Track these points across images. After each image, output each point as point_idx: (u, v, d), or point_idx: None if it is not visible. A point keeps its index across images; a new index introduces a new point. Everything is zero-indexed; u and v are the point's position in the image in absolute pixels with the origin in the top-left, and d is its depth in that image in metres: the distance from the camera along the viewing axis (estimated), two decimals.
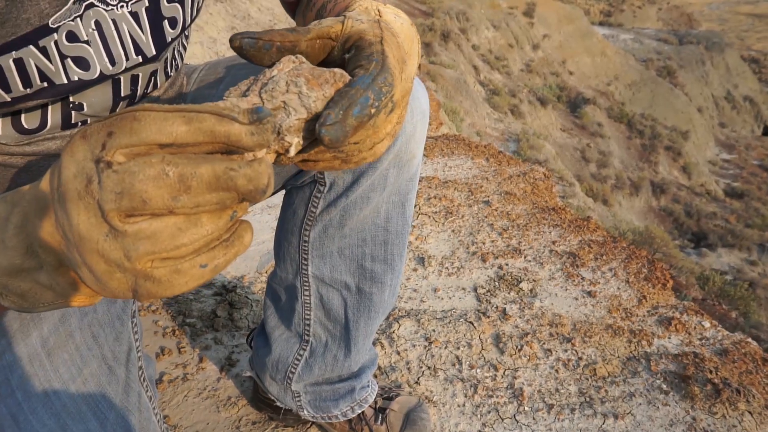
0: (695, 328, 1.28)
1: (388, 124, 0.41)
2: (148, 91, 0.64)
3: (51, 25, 0.50)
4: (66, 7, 0.50)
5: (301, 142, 0.38)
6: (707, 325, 1.30)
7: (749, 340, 1.27)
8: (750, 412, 1.05)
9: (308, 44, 0.43)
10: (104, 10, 0.53)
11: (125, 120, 0.27)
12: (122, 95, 0.60)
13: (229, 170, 0.27)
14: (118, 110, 0.62)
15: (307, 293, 0.82)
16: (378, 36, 0.43)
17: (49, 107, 0.57)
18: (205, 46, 4.49)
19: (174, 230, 0.27)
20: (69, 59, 0.52)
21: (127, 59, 0.56)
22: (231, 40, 0.39)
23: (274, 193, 0.80)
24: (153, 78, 0.63)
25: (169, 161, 0.27)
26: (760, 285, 12.61)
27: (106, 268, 0.28)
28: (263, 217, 1.79)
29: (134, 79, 0.60)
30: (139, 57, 0.57)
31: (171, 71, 0.66)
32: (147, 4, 0.55)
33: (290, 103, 0.38)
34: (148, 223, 0.27)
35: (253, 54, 0.40)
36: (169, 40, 0.59)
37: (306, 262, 0.79)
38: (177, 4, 0.58)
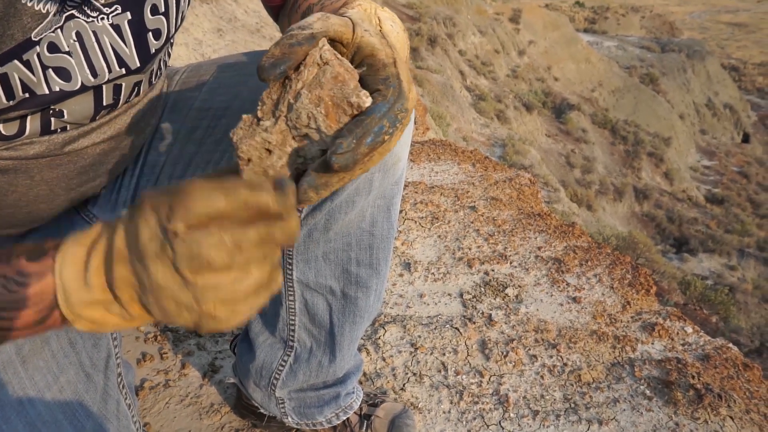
0: (678, 333, 1.30)
1: (394, 141, 0.43)
2: (131, 99, 0.63)
3: (33, 39, 0.49)
4: (47, 19, 0.49)
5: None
6: (690, 330, 1.31)
7: (730, 345, 1.29)
8: (731, 417, 1.06)
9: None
10: (85, 21, 0.52)
11: (179, 197, 0.35)
12: (104, 104, 0.60)
13: (269, 230, 0.35)
14: (98, 117, 0.62)
15: (291, 298, 0.81)
16: (391, 57, 0.44)
17: (29, 116, 0.56)
18: (191, 47, 4.45)
19: (232, 281, 0.35)
20: (50, 70, 0.51)
21: (110, 71, 0.55)
22: (262, 78, 0.42)
23: None
24: (137, 87, 0.62)
25: (224, 230, 0.35)
26: (740, 290, 12.84)
27: (176, 309, 0.36)
28: None
29: (117, 89, 0.60)
30: (123, 69, 0.56)
31: (155, 80, 0.66)
32: (130, 17, 0.54)
33: (311, 135, 0.42)
34: (212, 276, 0.35)
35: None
36: (154, 51, 0.59)
37: (290, 267, 0.79)
38: (161, 17, 0.58)
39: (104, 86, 0.58)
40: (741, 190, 24.71)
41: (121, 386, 0.71)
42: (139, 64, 0.57)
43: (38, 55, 0.50)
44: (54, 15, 0.50)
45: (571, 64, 27.14)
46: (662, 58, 31.37)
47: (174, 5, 0.59)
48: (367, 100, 0.41)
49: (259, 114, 0.43)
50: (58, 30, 0.50)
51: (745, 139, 30.88)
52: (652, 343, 1.26)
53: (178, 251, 0.34)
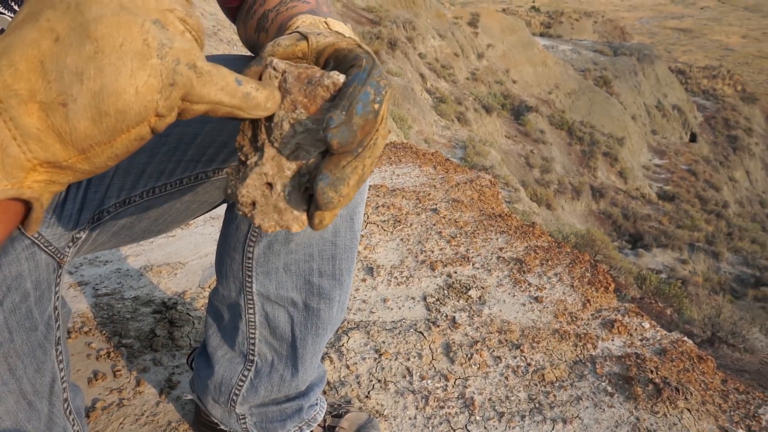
0: (636, 329, 1.33)
1: (385, 114, 0.39)
2: None
3: None
4: None
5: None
6: (647, 325, 1.34)
7: (685, 338, 1.32)
8: (689, 409, 1.09)
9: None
10: (10, 17, 0.48)
11: None
12: None
13: None
14: None
15: (251, 311, 0.79)
16: (354, 43, 0.42)
17: None
18: None
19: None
20: None
21: None
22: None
23: (217, 205, 0.76)
24: None
25: None
26: (691, 282, 13.39)
27: (142, 49, 0.25)
28: (206, 230, 1.72)
29: None
30: None
31: None
32: None
33: (304, 142, 0.39)
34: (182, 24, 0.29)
35: None
36: None
37: (250, 279, 0.76)
38: None
39: None
40: (690, 187, 25.82)
41: (67, 412, 0.67)
42: None
43: None
44: None
45: (529, 67, 27.77)
46: (614, 61, 32.48)
47: None
48: (340, 77, 0.39)
49: (242, 157, 0.40)
50: None
51: (693, 138, 32.28)
52: (612, 340, 1.29)
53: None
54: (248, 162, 0.40)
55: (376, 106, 0.37)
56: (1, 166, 0.25)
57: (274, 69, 0.39)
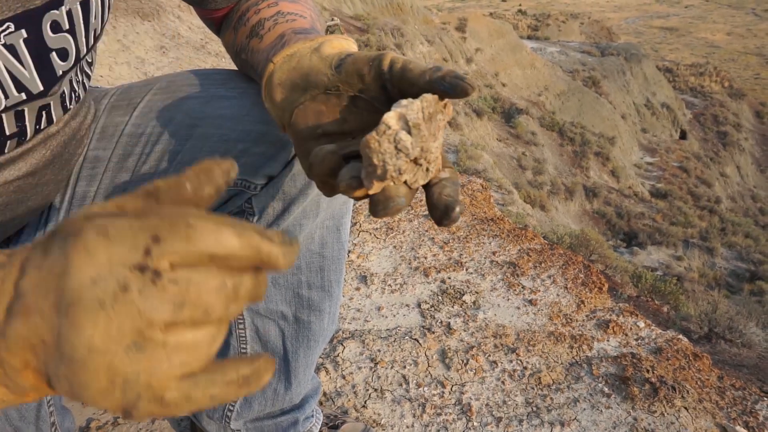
0: (631, 328, 1.33)
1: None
2: (41, 127, 0.57)
3: None
4: None
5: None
6: (642, 325, 1.34)
7: (680, 336, 1.33)
8: (686, 408, 1.09)
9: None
10: None
11: (177, 226, 0.27)
12: (7, 134, 0.54)
13: (258, 281, 0.29)
14: (9, 152, 0.57)
15: (241, 326, 0.78)
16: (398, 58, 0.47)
17: None
18: (133, 66, 4.32)
19: (209, 339, 0.27)
20: None
21: (7, 97, 0.50)
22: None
23: None
24: (44, 113, 0.57)
25: (224, 272, 0.27)
26: (687, 279, 13.44)
27: (107, 387, 0.26)
28: None
29: (19, 116, 0.54)
30: (23, 94, 0.51)
31: (70, 104, 0.60)
32: (26, 35, 0.49)
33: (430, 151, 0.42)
34: (192, 333, 0.27)
35: None
36: (61, 73, 0.54)
37: None
38: (66, 35, 0.53)
39: (3, 115, 0.52)
40: (682, 183, 25.98)
41: None
42: (42, 88, 0.52)
43: None
44: None
45: (518, 69, 27.94)
46: (602, 61, 32.73)
47: (81, 22, 0.54)
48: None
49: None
50: None
51: (683, 135, 32.53)
52: (608, 340, 1.28)
53: (159, 295, 0.26)
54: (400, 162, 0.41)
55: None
56: None
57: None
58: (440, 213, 0.41)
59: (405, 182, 0.41)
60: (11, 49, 0.49)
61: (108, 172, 0.67)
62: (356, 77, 0.46)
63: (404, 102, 0.40)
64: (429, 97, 0.40)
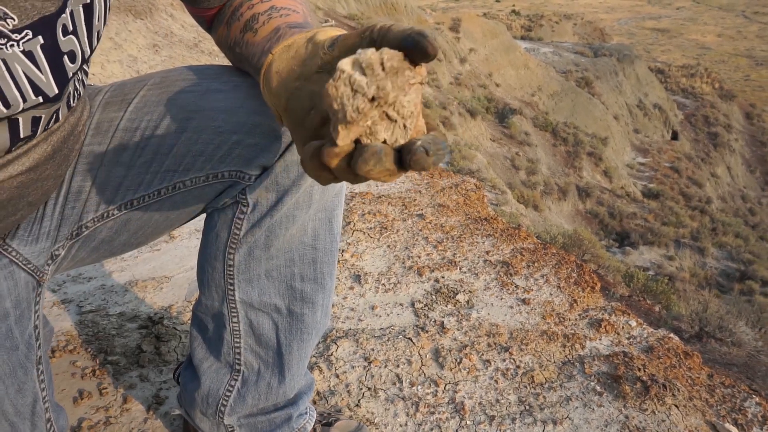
0: (623, 327, 1.34)
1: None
2: (49, 126, 0.59)
3: None
4: None
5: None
6: (634, 324, 1.36)
7: (671, 335, 1.34)
8: (676, 406, 1.10)
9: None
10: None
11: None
12: (21, 136, 0.55)
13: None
14: (14, 149, 0.57)
15: (235, 320, 0.78)
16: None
17: None
18: (125, 64, 4.30)
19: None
20: None
21: (25, 101, 0.51)
22: None
23: (196, 215, 0.76)
24: (55, 115, 0.59)
25: None
26: (678, 278, 13.54)
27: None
28: (191, 243, 1.71)
29: (35, 121, 0.55)
30: (40, 97, 0.53)
31: (73, 102, 0.62)
32: (42, 42, 0.51)
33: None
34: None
35: None
36: (71, 75, 0.55)
37: (232, 288, 0.76)
38: (72, 36, 0.54)
39: (20, 117, 0.54)
40: (673, 184, 26.17)
41: None
42: (57, 91, 0.54)
43: None
44: None
45: (511, 70, 28.03)
46: (595, 62, 32.90)
47: (83, 24, 0.55)
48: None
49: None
50: None
51: (674, 136, 32.75)
52: (600, 339, 1.29)
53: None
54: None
55: None
56: None
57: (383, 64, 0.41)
58: (417, 155, 0.40)
59: (385, 142, 0.41)
60: (29, 55, 0.50)
61: (103, 167, 0.68)
62: (349, 53, 0.47)
63: (360, 51, 0.41)
64: (390, 51, 0.40)
